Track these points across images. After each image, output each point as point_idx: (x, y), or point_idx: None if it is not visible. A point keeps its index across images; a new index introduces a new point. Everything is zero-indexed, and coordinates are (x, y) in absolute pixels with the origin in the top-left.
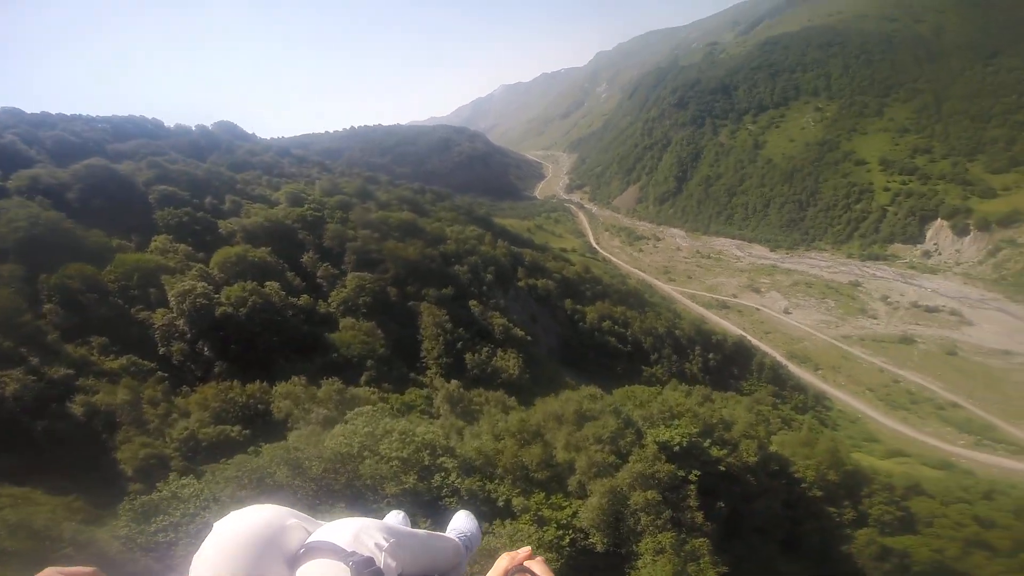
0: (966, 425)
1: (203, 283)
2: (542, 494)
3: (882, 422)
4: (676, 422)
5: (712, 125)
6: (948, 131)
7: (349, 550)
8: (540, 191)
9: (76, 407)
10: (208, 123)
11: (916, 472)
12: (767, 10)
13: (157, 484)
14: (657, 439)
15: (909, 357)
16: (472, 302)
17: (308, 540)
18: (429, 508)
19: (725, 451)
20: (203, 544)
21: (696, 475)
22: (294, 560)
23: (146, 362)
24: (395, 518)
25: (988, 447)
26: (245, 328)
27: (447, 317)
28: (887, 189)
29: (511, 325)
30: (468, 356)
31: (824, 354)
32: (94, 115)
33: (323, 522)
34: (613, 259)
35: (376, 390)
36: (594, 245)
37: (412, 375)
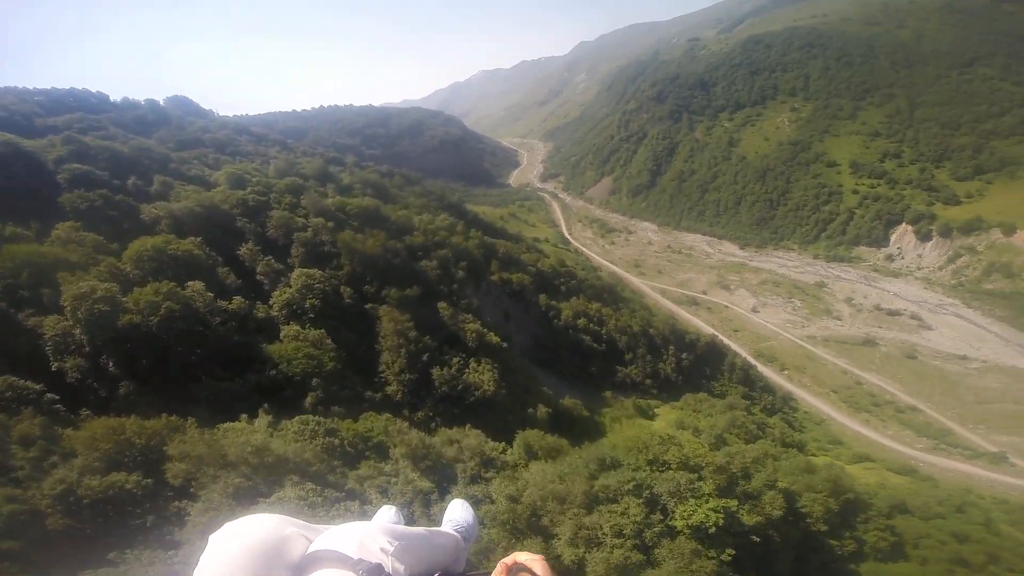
0: (925, 429)
1: (107, 284)
2: None
3: (846, 424)
4: (700, 485)
5: (689, 120)
6: (918, 137)
7: (356, 557)
8: (514, 179)
9: None
10: (160, 98)
11: (883, 478)
12: (751, 9)
13: None
14: (690, 522)
15: (871, 359)
16: (441, 304)
17: (311, 549)
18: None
19: (756, 516)
20: (201, 559)
21: (730, 555)
22: (298, 570)
23: (31, 383)
24: (387, 514)
25: (945, 451)
26: (157, 340)
27: (411, 323)
28: (856, 192)
29: (485, 331)
30: (436, 371)
31: (790, 354)
32: (32, 87)
33: (321, 527)
34: (585, 251)
35: (319, 420)
36: (567, 235)
37: (368, 394)
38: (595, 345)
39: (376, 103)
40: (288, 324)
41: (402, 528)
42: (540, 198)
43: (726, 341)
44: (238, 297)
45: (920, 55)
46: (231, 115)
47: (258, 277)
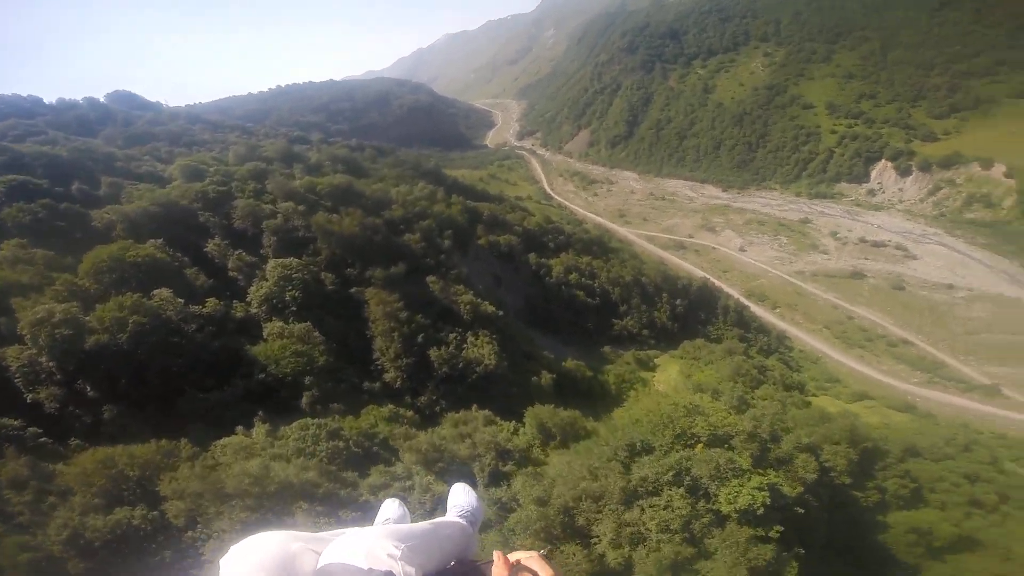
0: (918, 363)
1: (66, 304)
2: None
3: (841, 361)
4: (738, 461)
5: (662, 70)
6: (893, 78)
7: (366, 568)
8: (491, 139)
9: None
10: (100, 95)
11: (884, 416)
12: None
13: None
14: (736, 506)
15: (860, 292)
16: (430, 279)
17: (321, 564)
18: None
19: (796, 486)
20: None
21: (778, 532)
22: None
23: (9, 420)
24: (391, 507)
25: (940, 384)
26: (131, 357)
27: (400, 304)
28: (834, 132)
29: (479, 300)
30: (434, 352)
31: (780, 291)
32: None
33: (327, 535)
34: (568, 204)
35: (320, 423)
36: (548, 191)
37: (367, 384)
38: (589, 300)
39: (338, 78)
40: (270, 320)
41: (407, 528)
42: (519, 156)
43: (717, 283)
44: (212, 299)
45: None
46: (183, 105)
47: (231, 274)
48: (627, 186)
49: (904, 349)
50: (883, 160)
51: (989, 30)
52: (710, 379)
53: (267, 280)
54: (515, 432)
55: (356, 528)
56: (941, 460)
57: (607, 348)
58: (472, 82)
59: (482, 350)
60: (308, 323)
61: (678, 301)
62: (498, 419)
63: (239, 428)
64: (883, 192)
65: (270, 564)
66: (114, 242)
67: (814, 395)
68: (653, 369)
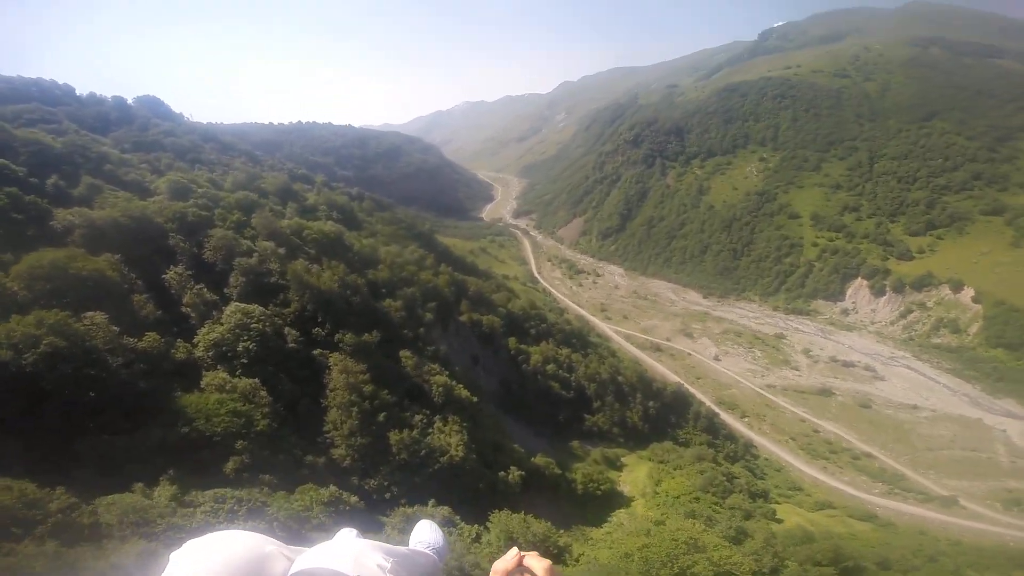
0: (879, 474)
1: None
2: None
3: (804, 471)
4: None
5: (662, 166)
6: (876, 190)
7: (353, 575)
8: (488, 213)
9: None
10: (129, 96)
11: (847, 526)
12: (727, 59)
13: None
14: None
15: (828, 408)
16: (404, 353)
17: (299, 567)
18: None
19: None
20: None
21: None
22: None
23: None
24: (349, 535)
25: (899, 495)
26: (33, 383)
27: (367, 376)
28: (815, 244)
29: (454, 383)
30: (394, 435)
31: (750, 402)
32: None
33: (301, 548)
34: (553, 291)
35: (240, 496)
36: (536, 274)
37: (310, 458)
38: (564, 392)
39: (356, 124)
40: (215, 370)
41: (390, 546)
42: (512, 234)
43: (691, 389)
44: (152, 333)
45: (884, 108)
46: (205, 122)
47: (184, 309)
48: (612, 280)
49: (867, 462)
50: (859, 279)
51: (970, 142)
52: (679, 487)
53: (221, 324)
54: (477, 539)
55: (341, 540)
56: (909, 572)
57: (576, 443)
58: (480, 152)
59: (450, 439)
60: (256, 380)
61: (651, 403)
62: (459, 519)
63: (138, 485)
64: (856, 312)
65: (235, 564)
66: (66, 248)
67: (777, 502)
68: (620, 468)
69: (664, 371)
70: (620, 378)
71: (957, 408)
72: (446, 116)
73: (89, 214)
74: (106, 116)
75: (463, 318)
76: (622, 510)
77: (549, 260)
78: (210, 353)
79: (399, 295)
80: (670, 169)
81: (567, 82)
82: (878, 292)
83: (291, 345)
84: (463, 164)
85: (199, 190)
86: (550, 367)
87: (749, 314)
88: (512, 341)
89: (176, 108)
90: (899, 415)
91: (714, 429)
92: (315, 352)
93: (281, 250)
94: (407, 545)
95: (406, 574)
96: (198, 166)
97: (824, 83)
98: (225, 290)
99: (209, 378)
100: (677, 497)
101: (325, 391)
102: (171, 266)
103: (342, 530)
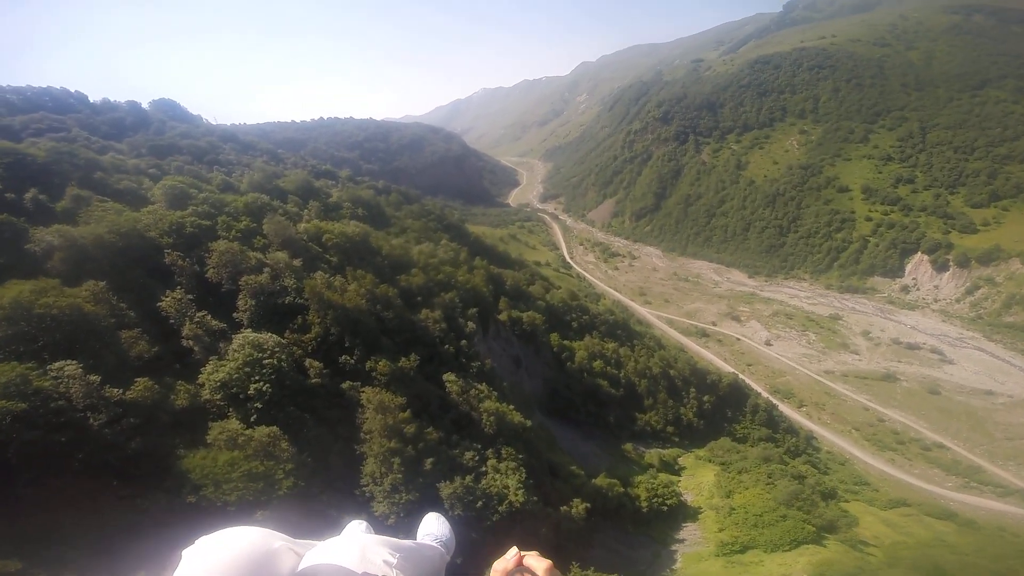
0: (953, 467)
1: None
2: None
3: (870, 464)
4: None
5: (695, 142)
6: (931, 161)
7: (360, 571)
8: (514, 198)
9: None
10: (144, 101)
11: (926, 526)
12: (754, 31)
13: None
14: None
15: (892, 395)
16: (448, 376)
17: (307, 563)
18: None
19: None
20: None
21: None
22: None
23: None
24: (358, 528)
25: (976, 489)
26: None
27: (407, 413)
28: (869, 219)
29: (505, 408)
30: (444, 488)
31: (807, 390)
32: (4, 85)
33: (311, 542)
34: (588, 276)
35: None
36: (568, 259)
37: (347, 519)
38: (613, 391)
39: (378, 117)
40: (226, 417)
41: (396, 540)
42: (540, 219)
43: (743, 378)
44: (144, 379)
45: (931, 77)
46: (228, 124)
47: (185, 342)
48: (650, 263)
49: (939, 453)
50: (919, 253)
51: None
52: (757, 501)
53: (228, 361)
54: None
55: (347, 535)
56: None
57: (629, 445)
58: (501, 138)
59: (507, 479)
60: (276, 428)
61: (706, 397)
62: None
63: (141, 574)
64: (918, 289)
65: (245, 558)
66: (34, 280)
67: (846, 500)
68: (678, 472)
69: (711, 357)
70: (672, 372)
71: None
72: (465, 104)
73: (70, 232)
74: (121, 122)
75: (502, 316)
76: (690, 524)
77: (581, 244)
78: (218, 396)
79: (436, 303)
80: (704, 145)
81: (586, 63)
82: (941, 267)
83: (314, 380)
84: (486, 151)
85: (200, 195)
86: (597, 364)
87: (800, 293)
88: (554, 337)
89: (194, 112)
90: (972, 401)
91: (773, 423)
92: (344, 385)
93: (297, 261)
94: (415, 539)
95: (413, 568)
96: (217, 167)
97: (864, 52)
98: (234, 315)
99: (217, 430)
100: (760, 515)
101: (360, 433)
102: (168, 291)
103: (351, 523)
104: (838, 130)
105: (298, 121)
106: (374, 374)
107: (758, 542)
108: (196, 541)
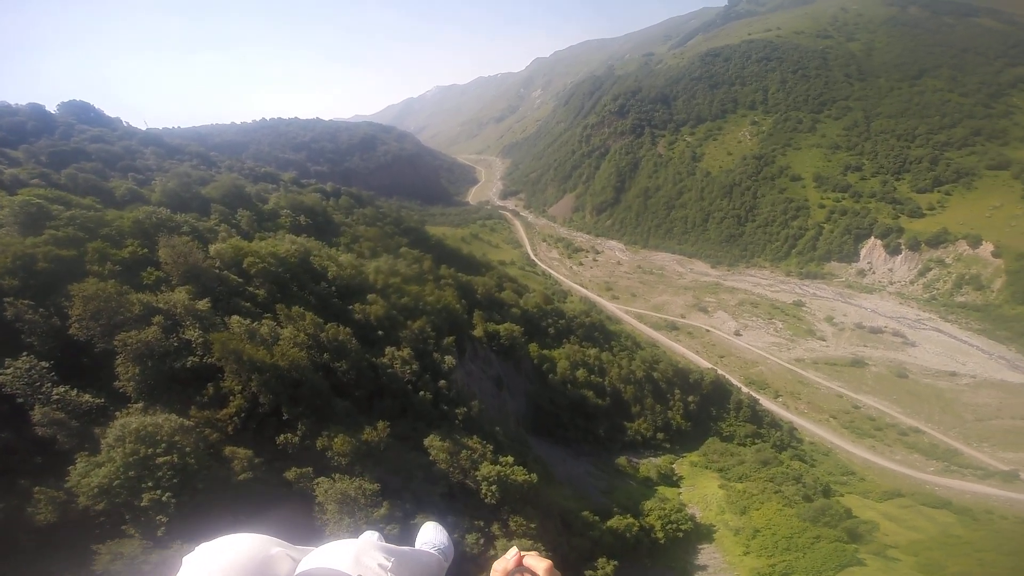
0: (931, 451)
1: None
2: None
3: (852, 452)
4: None
5: (651, 135)
6: (877, 149)
7: (354, 575)
8: (473, 196)
9: None
10: (54, 104)
11: (927, 516)
12: (700, 25)
13: None
14: None
15: (863, 381)
16: (432, 440)
17: (302, 568)
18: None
19: None
20: None
21: None
22: None
23: None
24: (372, 538)
25: (957, 473)
26: None
27: (384, 508)
28: (822, 206)
29: (509, 469)
30: None
31: (781, 379)
32: None
33: (307, 548)
34: (553, 272)
35: None
36: (532, 257)
37: None
38: (599, 401)
39: (325, 118)
40: (122, 535)
41: (392, 546)
42: (501, 216)
43: (726, 376)
44: None
45: (872, 68)
46: (160, 128)
47: (40, 431)
48: (613, 256)
49: (916, 437)
50: (872, 238)
51: (964, 98)
52: (781, 522)
53: (105, 462)
54: None
55: (343, 540)
56: None
57: (623, 459)
58: (457, 136)
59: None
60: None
61: (690, 398)
62: None
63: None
64: (873, 273)
65: (244, 566)
66: None
67: (840, 495)
68: (677, 483)
69: (684, 352)
70: (656, 374)
71: (996, 373)
72: (418, 103)
73: None
74: (20, 127)
75: (476, 331)
76: (706, 545)
77: (544, 240)
78: (99, 506)
79: (404, 336)
80: (660, 138)
81: (540, 58)
82: (893, 251)
83: (243, 476)
84: (442, 149)
85: (66, 213)
86: (580, 373)
87: (763, 281)
88: (533, 348)
89: (113, 113)
90: (939, 383)
91: (757, 418)
92: (288, 475)
93: (203, 303)
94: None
95: (408, 572)
96: (130, 174)
97: (808, 44)
98: (117, 385)
99: (107, 558)
100: (790, 537)
101: (323, 536)
102: (7, 359)
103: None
104: (787, 120)
105: (238, 123)
106: (329, 454)
107: (796, 568)
108: (196, 548)
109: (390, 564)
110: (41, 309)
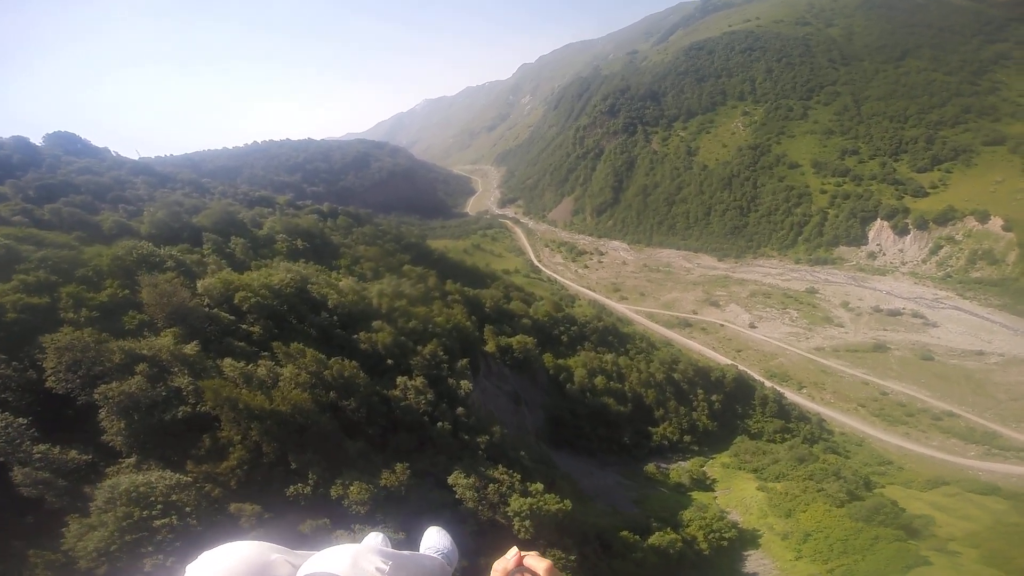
0: (969, 435)
1: None
2: None
3: (887, 440)
4: None
5: (644, 132)
6: (871, 132)
7: None
8: (471, 207)
9: None
10: (39, 136)
11: (977, 505)
12: (679, 20)
13: None
14: None
15: (888, 366)
16: (456, 477)
17: (300, 573)
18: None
19: None
20: None
21: None
22: None
23: None
24: (375, 540)
25: (999, 456)
26: None
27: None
28: (823, 191)
29: (540, 498)
30: None
31: (802, 370)
32: None
33: (306, 553)
34: (559, 278)
35: None
36: (536, 263)
37: None
38: (621, 408)
39: (317, 137)
40: None
41: (391, 550)
42: (501, 225)
43: (747, 370)
44: None
45: (855, 51)
46: (152, 156)
47: (21, 491)
48: (618, 257)
49: (950, 421)
50: (879, 220)
51: (949, 77)
52: (834, 525)
53: (96, 526)
54: None
55: (342, 544)
56: None
57: (651, 466)
58: (450, 147)
59: None
60: None
61: (714, 397)
62: None
63: None
64: (883, 254)
65: (243, 572)
66: None
67: (881, 486)
68: (711, 487)
69: (701, 348)
70: (676, 375)
71: None
72: (408, 117)
73: None
74: (7, 160)
75: (488, 347)
76: (752, 552)
77: (546, 246)
78: (101, 570)
79: (415, 364)
80: (653, 134)
81: (526, 64)
82: (901, 231)
83: (251, 536)
84: (436, 162)
85: (37, 254)
86: (599, 380)
87: (772, 271)
88: (548, 357)
89: (101, 143)
90: (966, 364)
91: (784, 412)
92: (303, 530)
93: (191, 346)
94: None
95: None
96: (121, 205)
97: (789, 32)
98: (105, 439)
99: None
100: (845, 539)
101: None
102: None
103: (370, 534)
104: (778, 108)
105: (230, 148)
106: (346, 503)
107: (857, 572)
108: (199, 556)
109: (387, 568)
110: (14, 362)
